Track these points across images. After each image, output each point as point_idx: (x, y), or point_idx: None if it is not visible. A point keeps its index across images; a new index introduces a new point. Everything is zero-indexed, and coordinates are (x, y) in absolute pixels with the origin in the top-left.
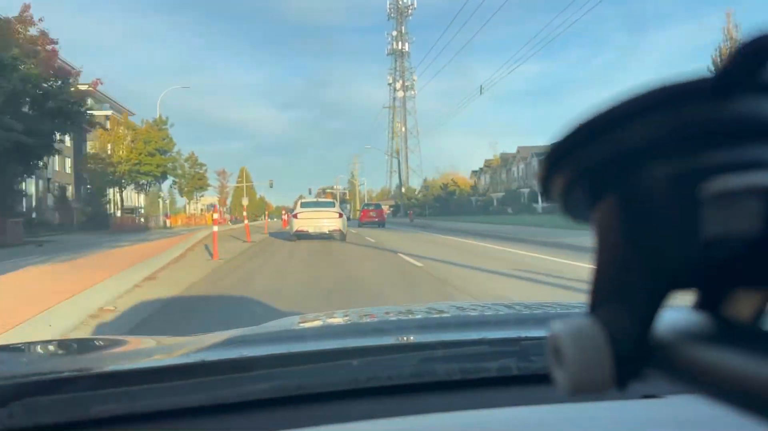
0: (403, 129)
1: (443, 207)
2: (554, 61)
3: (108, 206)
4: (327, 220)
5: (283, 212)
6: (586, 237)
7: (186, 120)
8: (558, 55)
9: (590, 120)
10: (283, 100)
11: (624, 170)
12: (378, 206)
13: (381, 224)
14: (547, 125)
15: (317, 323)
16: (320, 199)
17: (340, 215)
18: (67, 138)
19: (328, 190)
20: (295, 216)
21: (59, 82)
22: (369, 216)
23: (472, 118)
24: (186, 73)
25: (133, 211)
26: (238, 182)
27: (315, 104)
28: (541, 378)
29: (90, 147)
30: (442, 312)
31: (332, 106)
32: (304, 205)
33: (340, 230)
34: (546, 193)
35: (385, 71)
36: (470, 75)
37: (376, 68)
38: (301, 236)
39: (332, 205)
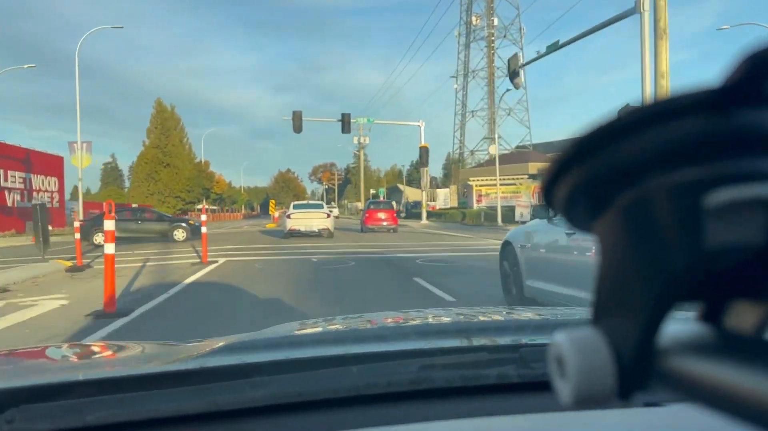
0: (494, 22)
1: None
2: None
3: None
4: (317, 220)
5: (276, 214)
6: None
7: (181, 103)
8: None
9: (593, 132)
10: (278, 83)
11: (627, 182)
12: (388, 204)
13: (393, 230)
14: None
15: (317, 329)
16: (311, 201)
17: (328, 215)
18: None
19: (327, 169)
20: (288, 216)
21: None
22: (376, 219)
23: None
24: (181, 55)
25: None
26: (149, 138)
27: (310, 88)
28: (541, 386)
29: None
30: (441, 318)
31: (327, 90)
32: (296, 206)
33: (328, 229)
34: (548, 203)
35: (384, 54)
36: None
37: (372, 52)
38: (294, 234)
39: (321, 206)
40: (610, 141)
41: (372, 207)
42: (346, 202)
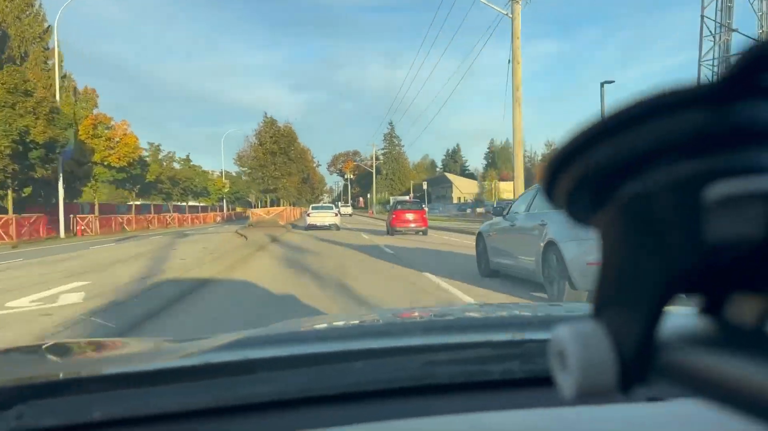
0: None
1: None
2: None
3: None
4: (328, 217)
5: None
6: None
7: (199, 101)
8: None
9: (593, 126)
10: (295, 82)
11: (627, 176)
12: (417, 204)
13: (422, 232)
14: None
15: (320, 325)
16: (324, 204)
17: (336, 214)
18: None
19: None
20: (308, 215)
21: None
22: (404, 220)
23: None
24: (200, 54)
25: None
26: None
27: (327, 86)
28: (545, 381)
29: None
30: (445, 314)
31: (345, 88)
32: (314, 208)
33: (336, 223)
34: (550, 196)
35: (396, 50)
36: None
37: (388, 48)
38: (311, 227)
39: (332, 208)
40: (609, 135)
41: (399, 207)
42: (377, 196)
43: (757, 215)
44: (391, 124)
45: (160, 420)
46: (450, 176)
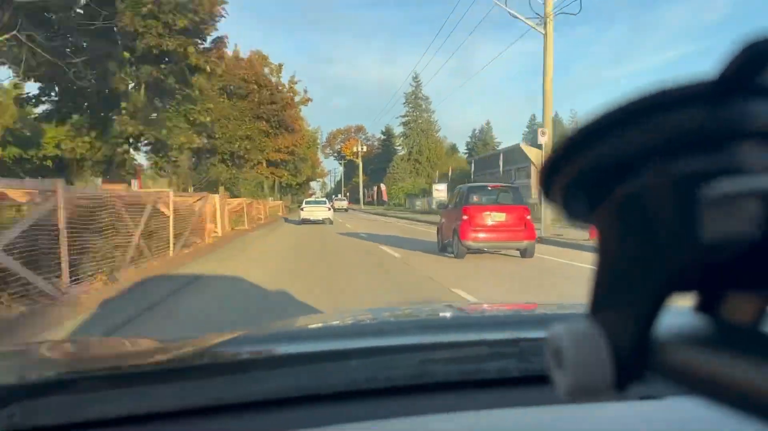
0: None
1: None
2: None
3: None
4: (321, 212)
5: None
6: None
7: None
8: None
9: (589, 124)
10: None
11: (623, 174)
12: (510, 194)
13: (525, 251)
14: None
15: (316, 324)
16: (317, 198)
17: (329, 209)
18: None
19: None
20: (302, 209)
21: None
22: (487, 227)
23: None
24: None
25: None
26: None
27: (320, 82)
28: (540, 380)
29: None
30: (441, 313)
31: (337, 83)
32: (307, 202)
33: (329, 218)
34: (547, 195)
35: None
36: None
37: (382, 43)
38: (305, 222)
39: (325, 202)
40: (606, 132)
41: (475, 199)
42: (398, 187)
43: (753, 214)
44: (416, 79)
45: (155, 419)
46: (528, 149)
